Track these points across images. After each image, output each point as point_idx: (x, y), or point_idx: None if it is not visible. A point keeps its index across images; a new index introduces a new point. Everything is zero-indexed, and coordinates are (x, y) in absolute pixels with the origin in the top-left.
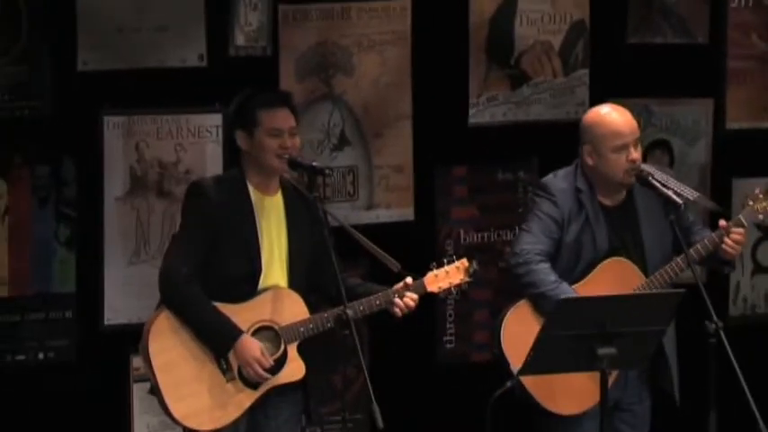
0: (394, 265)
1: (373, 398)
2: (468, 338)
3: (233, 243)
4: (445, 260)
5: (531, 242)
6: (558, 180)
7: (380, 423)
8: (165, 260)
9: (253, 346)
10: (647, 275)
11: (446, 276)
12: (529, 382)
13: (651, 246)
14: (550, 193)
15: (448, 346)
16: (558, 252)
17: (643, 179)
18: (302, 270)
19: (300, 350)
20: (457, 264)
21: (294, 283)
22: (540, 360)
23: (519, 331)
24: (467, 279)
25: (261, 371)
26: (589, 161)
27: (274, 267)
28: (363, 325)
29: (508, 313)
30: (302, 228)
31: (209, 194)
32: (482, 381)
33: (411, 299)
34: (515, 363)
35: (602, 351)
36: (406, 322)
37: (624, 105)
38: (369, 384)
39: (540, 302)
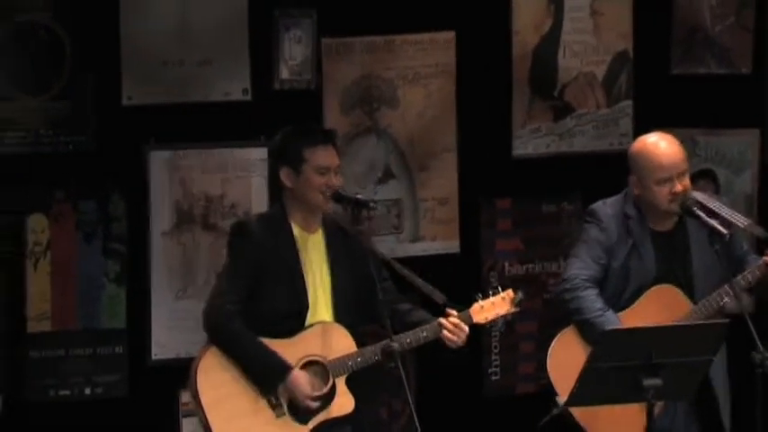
0: (439, 297)
1: (420, 431)
2: (513, 370)
3: (278, 281)
4: (491, 291)
5: (579, 267)
6: (607, 206)
7: None
8: (210, 299)
9: (303, 381)
10: (695, 303)
11: (492, 307)
12: (575, 409)
13: (700, 273)
14: (598, 218)
15: (493, 378)
16: (607, 277)
17: (687, 209)
18: (348, 304)
19: (352, 381)
20: (503, 294)
21: (340, 318)
22: (586, 391)
23: (565, 357)
24: (513, 309)
25: (312, 405)
26: (635, 190)
27: (319, 303)
28: (410, 357)
29: (555, 340)
30: (345, 263)
31: (252, 234)
32: (528, 413)
33: (461, 330)
34: (561, 389)
35: (647, 382)
36: (453, 354)
37: (672, 134)
38: (415, 417)
39: (586, 329)
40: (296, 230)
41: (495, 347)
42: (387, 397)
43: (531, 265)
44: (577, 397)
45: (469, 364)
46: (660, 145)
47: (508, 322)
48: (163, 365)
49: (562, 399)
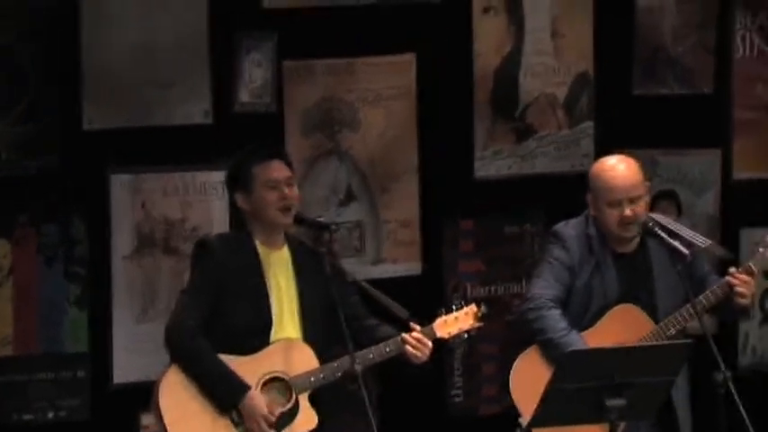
0: (402, 312)
1: None
2: (476, 392)
3: (241, 297)
4: (454, 306)
5: (543, 287)
6: (570, 227)
7: None
8: (172, 315)
9: (259, 403)
10: (657, 323)
11: (455, 322)
12: (538, 430)
13: (662, 294)
14: (561, 239)
15: (456, 399)
16: (570, 298)
17: (648, 230)
18: (317, 321)
19: (315, 400)
20: (466, 309)
21: (308, 335)
22: (549, 412)
23: (528, 378)
24: (476, 324)
25: (265, 428)
26: (592, 210)
27: (285, 320)
28: (374, 378)
29: (517, 360)
30: (312, 279)
31: (215, 250)
32: None
33: (424, 344)
34: (524, 409)
35: (610, 402)
36: (416, 370)
37: (631, 156)
38: None
39: (549, 349)
40: (259, 248)
41: (458, 369)
42: (349, 417)
43: (493, 287)
44: (541, 418)
45: (432, 385)
46: (616, 167)
47: (470, 344)
48: (124, 389)
49: (525, 419)
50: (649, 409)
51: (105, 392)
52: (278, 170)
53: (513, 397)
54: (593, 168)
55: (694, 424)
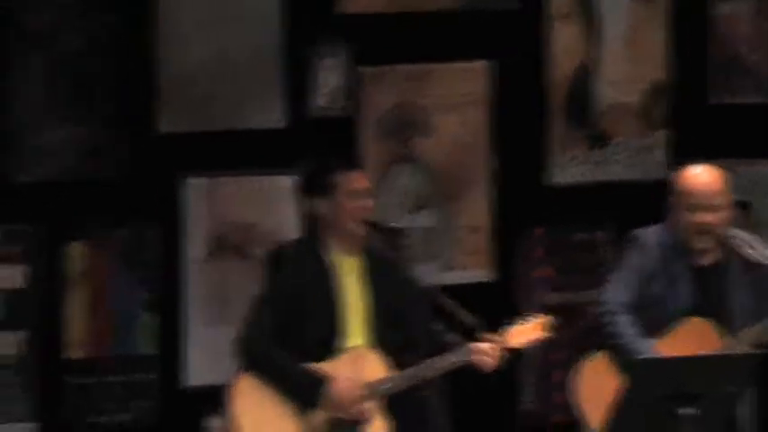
0: (472, 321)
1: None
2: (547, 399)
3: (313, 306)
4: (525, 317)
5: (616, 292)
6: (650, 234)
7: None
8: (243, 326)
9: (347, 386)
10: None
11: (526, 332)
12: None
13: (736, 310)
14: (640, 245)
15: (527, 406)
16: (642, 305)
17: (726, 241)
18: (383, 330)
19: (385, 408)
20: (537, 320)
21: (377, 343)
22: (621, 421)
23: (593, 381)
24: (546, 335)
25: (362, 408)
26: (672, 216)
27: (354, 329)
28: (446, 384)
29: (583, 363)
30: (382, 286)
31: (286, 261)
32: None
33: (493, 353)
34: (587, 411)
35: (683, 412)
36: (486, 383)
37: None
38: None
39: (619, 353)
40: (331, 255)
41: (529, 376)
42: (422, 425)
43: (564, 294)
44: (613, 427)
45: (503, 392)
46: (700, 173)
47: (542, 351)
48: (194, 392)
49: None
50: (720, 419)
51: (175, 395)
52: (361, 181)
53: (577, 401)
54: (678, 172)
55: None
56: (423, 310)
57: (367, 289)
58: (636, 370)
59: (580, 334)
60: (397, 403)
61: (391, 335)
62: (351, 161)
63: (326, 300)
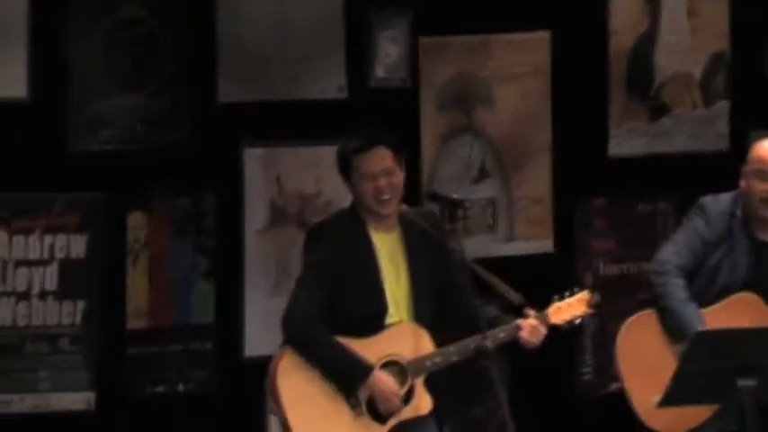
0: (516, 298)
1: (513, 430)
2: (605, 370)
3: (357, 283)
4: (567, 293)
5: (673, 254)
6: (718, 203)
7: None
8: (288, 305)
9: (387, 380)
10: None
11: (568, 308)
12: (635, 393)
13: None
14: (707, 212)
15: (586, 377)
16: (697, 272)
17: None
18: (426, 305)
19: (437, 382)
20: (579, 296)
21: (418, 318)
22: (680, 392)
23: (637, 339)
24: (588, 311)
25: (398, 403)
26: (742, 183)
27: (398, 304)
28: (504, 357)
29: (630, 319)
30: (423, 262)
31: (328, 238)
32: (620, 412)
33: (538, 331)
34: (626, 369)
35: (742, 383)
36: (545, 354)
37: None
38: (508, 417)
39: (666, 315)
40: (371, 231)
41: (588, 347)
42: (481, 396)
43: (625, 266)
44: (671, 397)
45: (562, 363)
46: None
47: (601, 322)
48: (255, 362)
49: (622, 378)
50: None
51: (235, 365)
52: (375, 162)
53: (617, 355)
54: (756, 141)
55: None
56: (464, 284)
57: (408, 264)
58: (695, 342)
59: (639, 305)
60: (440, 380)
61: (431, 310)
62: (372, 138)
63: (370, 275)
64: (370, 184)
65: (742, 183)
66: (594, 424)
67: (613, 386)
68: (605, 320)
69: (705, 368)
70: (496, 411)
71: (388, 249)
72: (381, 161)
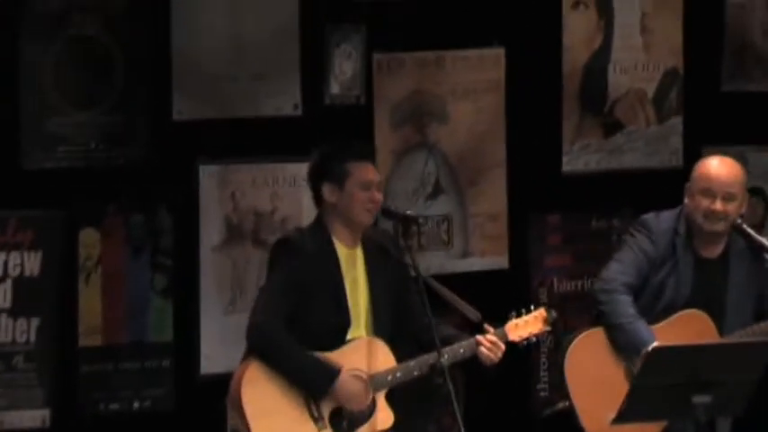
0: (474, 315)
1: None
2: (561, 387)
3: (321, 296)
4: (524, 310)
5: (619, 272)
6: (660, 220)
7: None
8: (253, 314)
9: (355, 381)
10: (721, 335)
11: (525, 326)
12: (582, 411)
13: (733, 305)
14: (650, 230)
15: (542, 394)
16: (642, 290)
17: (737, 227)
18: (386, 320)
19: (393, 398)
20: (535, 313)
21: (378, 333)
22: (635, 408)
23: (585, 357)
24: (545, 328)
25: (366, 404)
26: (686, 200)
27: (360, 319)
28: (459, 373)
29: (578, 337)
30: (383, 278)
31: (296, 249)
32: (577, 430)
33: (498, 347)
34: (573, 386)
35: (696, 399)
36: (501, 370)
37: (722, 152)
38: None
39: (615, 334)
40: (338, 246)
41: (544, 363)
42: (436, 412)
43: (580, 282)
44: (626, 414)
45: (518, 380)
46: (720, 162)
47: (557, 338)
48: (212, 380)
49: (572, 397)
50: (735, 406)
51: (191, 383)
52: (373, 173)
53: (565, 372)
54: (700, 160)
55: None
56: (420, 302)
57: (368, 279)
58: (649, 358)
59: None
60: (411, 393)
61: (389, 326)
62: (365, 151)
63: (336, 289)
64: (366, 194)
65: (687, 200)
66: None
67: (560, 405)
68: (561, 337)
69: (660, 384)
70: (451, 428)
71: (351, 263)
72: (376, 173)
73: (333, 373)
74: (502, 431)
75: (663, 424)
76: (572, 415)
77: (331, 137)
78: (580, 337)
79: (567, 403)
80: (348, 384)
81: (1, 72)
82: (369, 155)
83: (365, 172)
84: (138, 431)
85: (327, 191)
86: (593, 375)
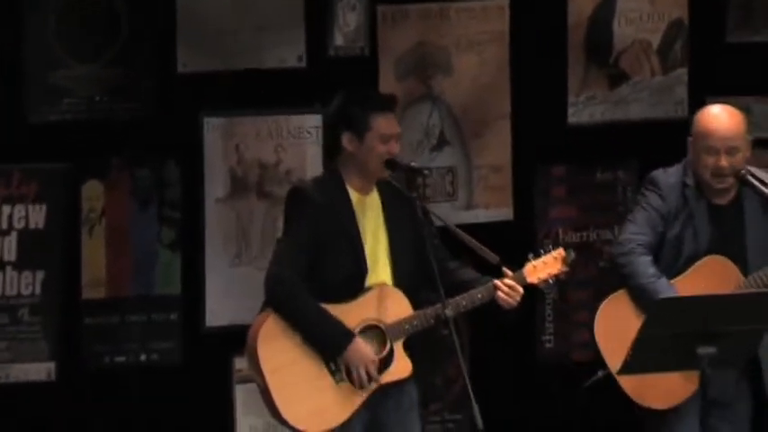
0: (493, 258)
1: (473, 398)
2: (567, 338)
3: (338, 245)
4: (542, 250)
5: (635, 232)
6: (668, 175)
7: (480, 423)
8: (271, 265)
9: (365, 350)
10: (745, 277)
11: (544, 267)
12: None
13: (754, 248)
14: (659, 186)
15: (547, 345)
16: (661, 246)
17: (741, 178)
18: (407, 266)
19: (406, 349)
20: (554, 253)
21: (399, 281)
22: (640, 359)
23: (614, 321)
24: (564, 268)
25: (373, 373)
26: (690, 155)
27: (379, 266)
28: (465, 324)
29: (603, 303)
30: (402, 225)
31: (311, 198)
32: (581, 380)
33: (516, 290)
34: (607, 352)
35: (702, 350)
36: (506, 316)
37: (727, 103)
38: (468, 385)
39: (638, 294)
40: (352, 194)
41: (549, 315)
42: (442, 364)
43: (585, 233)
44: (631, 365)
45: (523, 330)
46: (719, 116)
47: (562, 289)
48: (217, 332)
49: (609, 365)
50: (739, 358)
51: (197, 336)
52: (393, 126)
53: (597, 340)
54: (698, 113)
55: None
56: (436, 246)
57: (386, 225)
58: (656, 309)
59: (599, 273)
60: (418, 344)
61: (410, 271)
62: (389, 102)
63: (351, 238)
64: (385, 146)
65: (691, 155)
66: (556, 392)
67: (599, 373)
68: (565, 288)
69: (665, 335)
70: (456, 379)
71: (367, 210)
72: (396, 126)
73: (345, 337)
74: (508, 382)
75: (697, 381)
76: (612, 384)
77: (335, 89)
78: (606, 301)
79: (605, 372)
80: (357, 352)
81: (4, 25)
82: (391, 107)
83: (387, 125)
84: (145, 384)
85: (346, 139)
86: (625, 338)
